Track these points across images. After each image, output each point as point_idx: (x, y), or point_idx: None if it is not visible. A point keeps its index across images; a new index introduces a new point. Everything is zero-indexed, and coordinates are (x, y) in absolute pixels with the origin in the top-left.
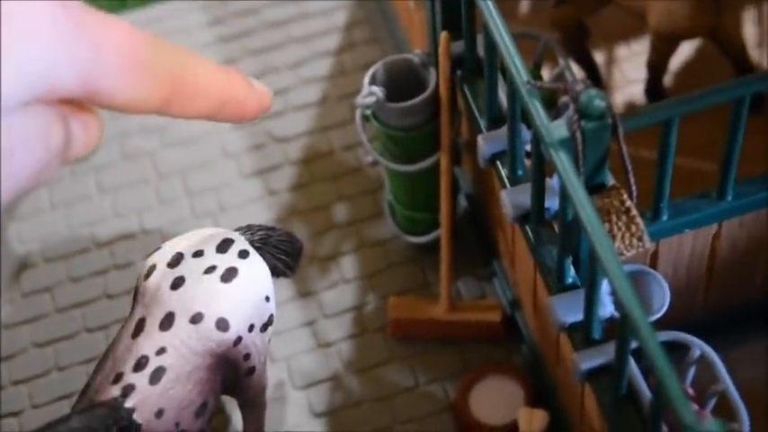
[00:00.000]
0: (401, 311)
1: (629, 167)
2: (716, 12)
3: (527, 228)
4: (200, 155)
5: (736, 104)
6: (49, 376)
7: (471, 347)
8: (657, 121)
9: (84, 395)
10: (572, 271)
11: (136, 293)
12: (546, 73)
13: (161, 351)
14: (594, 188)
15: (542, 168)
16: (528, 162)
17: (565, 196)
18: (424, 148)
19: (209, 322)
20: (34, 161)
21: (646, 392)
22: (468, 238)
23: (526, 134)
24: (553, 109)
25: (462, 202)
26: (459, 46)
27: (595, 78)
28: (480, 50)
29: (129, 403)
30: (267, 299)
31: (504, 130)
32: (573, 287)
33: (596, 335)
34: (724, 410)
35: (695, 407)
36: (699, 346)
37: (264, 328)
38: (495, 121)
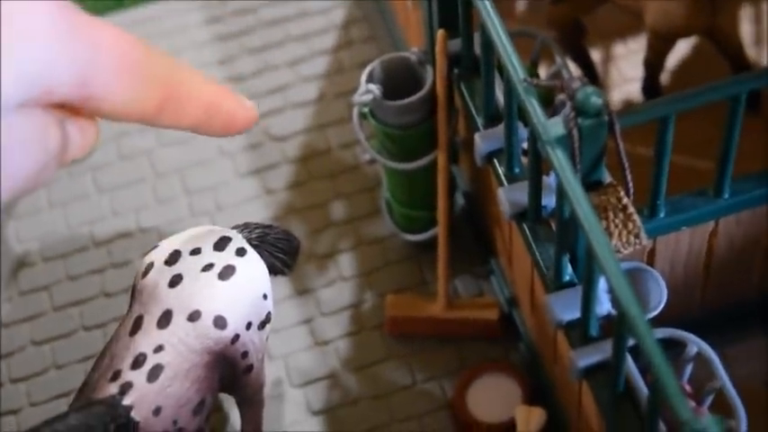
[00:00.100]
0: (398, 309)
1: (626, 165)
2: (712, 10)
3: (524, 225)
4: (197, 154)
5: (732, 102)
6: (47, 374)
7: (469, 345)
8: (654, 119)
9: (81, 393)
10: (569, 268)
11: (133, 291)
12: (543, 71)
13: (159, 349)
14: (591, 185)
15: (539, 166)
16: (525, 160)
17: (562, 194)
18: (422, 146)
19: (206, 320)
20: (32, 162)
21: (643, 389)
22: (466, 236)
23: (523, 132)
24: (550, 107)
25: (459, 200)
26: (456, 44)
27: (592, 77)
28: (477, 49)
29: (126, 401)
30: (265, 296)
31: (500, 128)
32: (570, 285)
33: (593, 332)
34: (721, 407)
35: (692, 404)
36: (696, 344)
37: (262, 325)
38: (492, 119)
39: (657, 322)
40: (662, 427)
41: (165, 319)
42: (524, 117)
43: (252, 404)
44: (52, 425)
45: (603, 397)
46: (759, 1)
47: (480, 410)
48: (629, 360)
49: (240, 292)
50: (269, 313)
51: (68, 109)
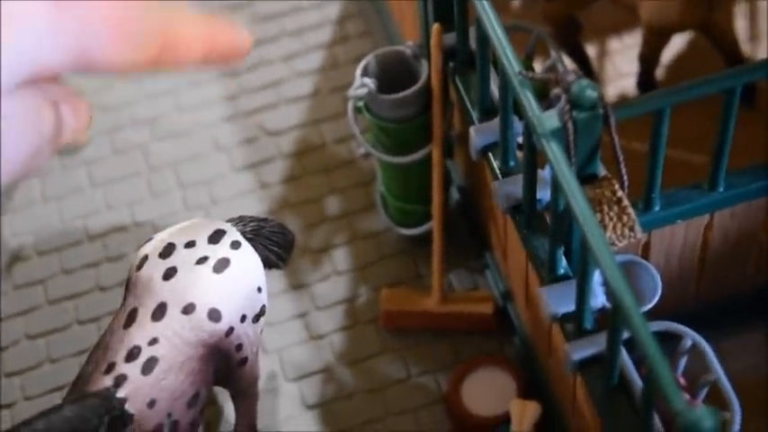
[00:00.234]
0: (393, 303)
1: (621, 158)
2: (707, 6)
3: (519, 219)
4: (192, 148)
5: (727, 95)
6: (41, 368)
7: (463, 339)
8: (649, 112)
9: (76, 386)
10: (564, 262)
11: (128, 284)
12: (538, 66)
13: (153, 341)
14: (586, 179)
15: (534, 159)
16: (520, 153)
17: (556, 187)
18: (416, 140)
19: (201, 313)
20: (27, 145)
21: (637, 382)
22: (461, 229)
23: (518, 125)
24: (545, 100)
25: (454, 193)
26: (451, 38)
27: (588, 72)
28: (472, 43)
29: (121, 393)
30: (259, 290)
31: (495, 121)
32: (565, 278)
33: (588, 325)
34: (716, 400)
35: (687, 396)
36: (690, 336)
37: (256, 318)
38: (487, 113)
39: (652, 315)
40: (656, 419)
41: (159, 312)
42: (519, 110)
43: (246, 397)
44: (47, 417)
45: (598, 390)
46: None
47: (475, 404)
48: (624, 353)
49: (235, 284)
50: (263, 306)
51: (61, 88)
